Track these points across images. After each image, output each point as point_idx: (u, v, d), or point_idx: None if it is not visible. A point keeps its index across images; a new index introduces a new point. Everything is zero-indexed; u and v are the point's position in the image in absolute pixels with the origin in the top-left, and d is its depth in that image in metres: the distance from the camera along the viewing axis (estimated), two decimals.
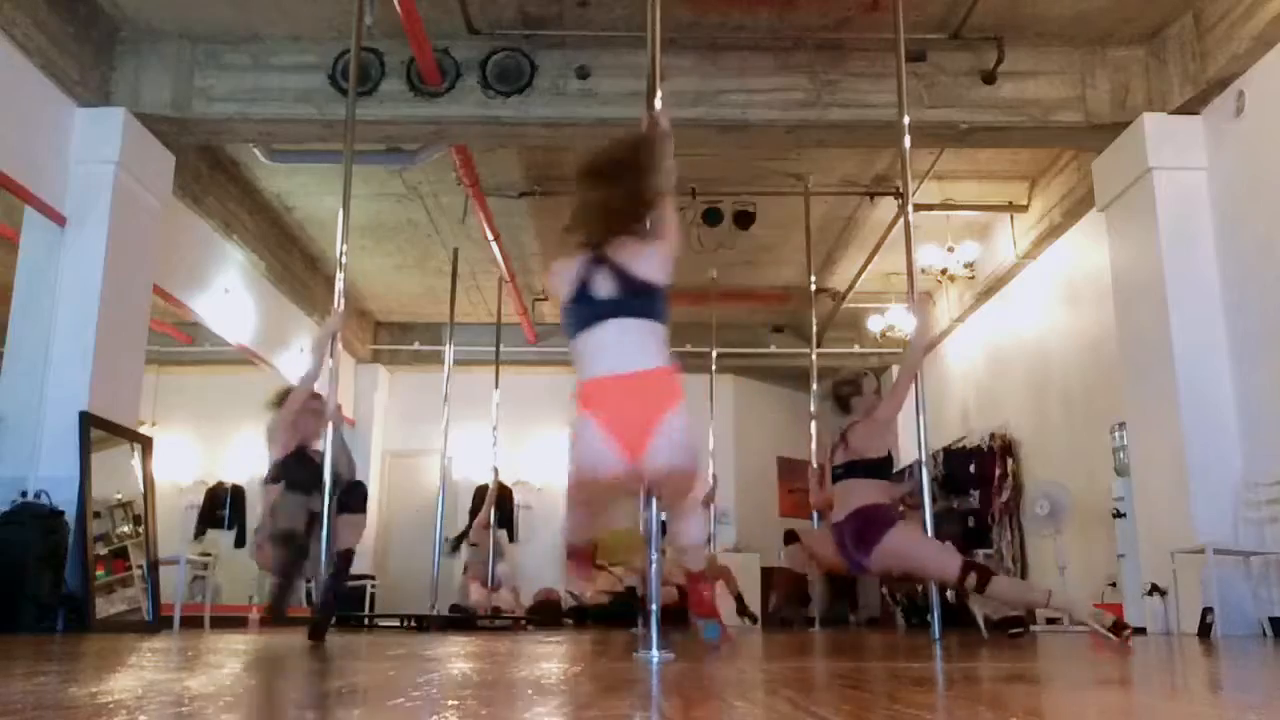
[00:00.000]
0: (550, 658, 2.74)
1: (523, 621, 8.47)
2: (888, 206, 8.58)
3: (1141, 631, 6.12)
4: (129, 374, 6.28)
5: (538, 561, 10.86)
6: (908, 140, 5.00)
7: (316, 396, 4.47)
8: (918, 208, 5.94)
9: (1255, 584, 5.46)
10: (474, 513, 11.83)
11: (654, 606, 2.87)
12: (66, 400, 5.72)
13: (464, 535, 10.06)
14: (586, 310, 2.87)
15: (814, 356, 8.13)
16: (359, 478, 4.63)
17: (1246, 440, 5.67)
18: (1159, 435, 6.00)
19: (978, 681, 2.00)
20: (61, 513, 5.41)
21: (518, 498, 11.49)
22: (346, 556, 4.28)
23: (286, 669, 2.29)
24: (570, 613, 9.07)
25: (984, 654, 3.32)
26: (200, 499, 10.40)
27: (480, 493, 11.22)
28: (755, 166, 8.03)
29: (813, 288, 8.31)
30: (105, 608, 5.60)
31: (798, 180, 8.07)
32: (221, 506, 10.31)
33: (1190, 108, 6.08)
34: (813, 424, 8.05)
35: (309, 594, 4.36)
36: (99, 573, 5.62)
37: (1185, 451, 5.72)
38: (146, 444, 6.41)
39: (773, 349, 11.69)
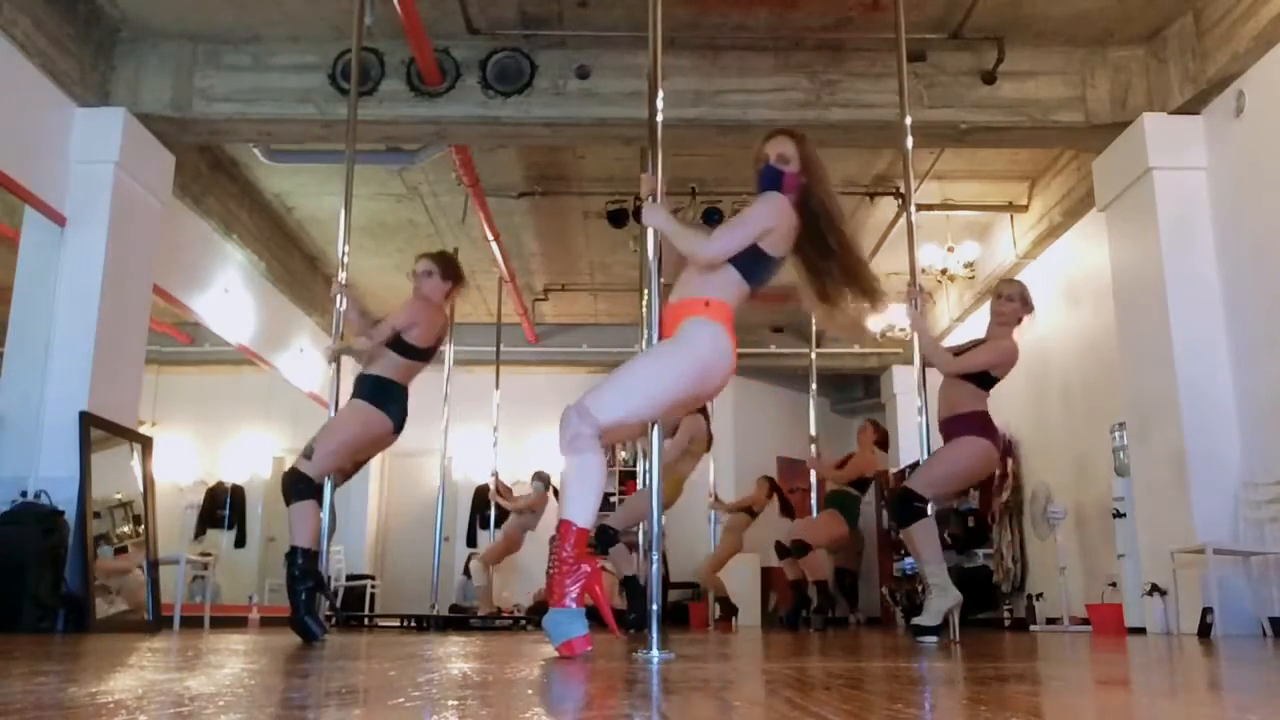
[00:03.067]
0: (550, 658, 2.74)
1: (522, 621, 8.48)
2: (888, 206, 8.59)
3: (1141, 632, 6.13)
4: (129, 374, 6.27)
5: (539, 561, 10.85)
6: (910, 140, 5.00)
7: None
8: (918, 208, 5.94)
9: (1255, 584, 5.46)
10: (474, 515, 11.87)
11: (654, 606, 2.87)
12: (66, 400, 5.72)
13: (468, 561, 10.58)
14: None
15: (813, 356, 8.14)
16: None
17: (1246, 440, 5.67)
18: (1159, 435, 6.00)
19: (978, 681, 2.00)
20: (61, 513, 5.41)
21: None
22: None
23: (286, 669, 2.29)
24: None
25: (984, 654, 3.32)
26: (200, 499, 10.39)
27: (481, 494, 11.25)
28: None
29: None
30: (105, 607, 5.60)
31: None
32: (221, 506, 10.29)
33: (1190, 108, 6.08)
34: (812, 424, 8.03)
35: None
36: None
37: (1185, 451, 5.72)
38: (146, 444, 6.41)
39: (772, 349, 11.68)
